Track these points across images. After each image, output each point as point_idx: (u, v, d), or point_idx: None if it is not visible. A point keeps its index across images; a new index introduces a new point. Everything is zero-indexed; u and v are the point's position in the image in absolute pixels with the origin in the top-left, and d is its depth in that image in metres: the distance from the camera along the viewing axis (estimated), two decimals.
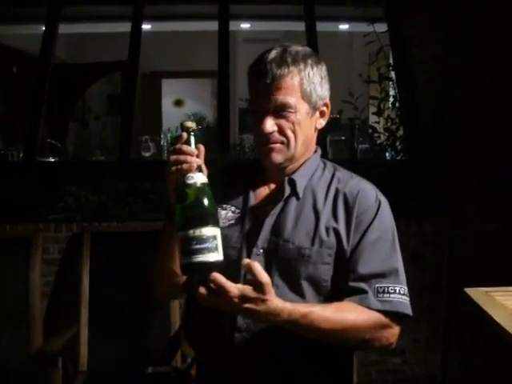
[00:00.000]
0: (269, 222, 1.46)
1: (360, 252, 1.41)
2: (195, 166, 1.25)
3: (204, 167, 1.31)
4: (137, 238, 3.16)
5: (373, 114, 4.03)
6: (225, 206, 1.52)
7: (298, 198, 1.48)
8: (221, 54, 4.28)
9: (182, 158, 1.26)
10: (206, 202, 1.19)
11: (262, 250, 1.43)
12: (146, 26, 4.74)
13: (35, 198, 3.40)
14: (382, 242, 1.43)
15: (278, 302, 1.23)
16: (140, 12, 4.43)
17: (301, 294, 1.40)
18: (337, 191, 1.48)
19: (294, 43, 1.49)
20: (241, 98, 7.20)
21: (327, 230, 1.42)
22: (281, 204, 1.48)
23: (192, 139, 1.28)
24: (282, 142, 1.44)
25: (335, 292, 1.41)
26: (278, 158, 1.46)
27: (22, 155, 4.22)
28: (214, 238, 1.16)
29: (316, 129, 1.52)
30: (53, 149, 4.81)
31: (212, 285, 1.17)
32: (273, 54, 1.41)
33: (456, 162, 3.44)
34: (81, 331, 2.97)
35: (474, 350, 3.24)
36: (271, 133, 1.42)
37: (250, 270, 1.18)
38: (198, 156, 1.28)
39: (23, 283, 3.02)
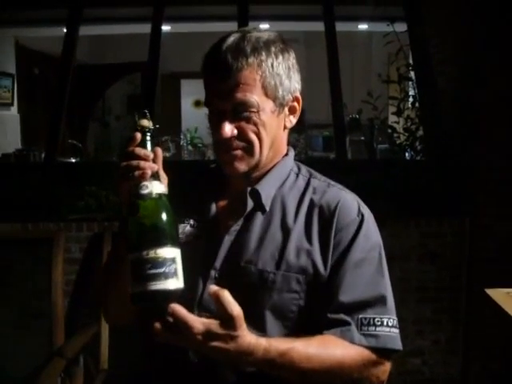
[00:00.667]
0: (228, 240, 1.23)
1: (340, 277, 1.18)
2: (150, 172, 1.02)
3: (163, 174, 1.10)
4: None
5: (392, 114, 4.02)
6: (183, 218, 1.28)
7: (263, 212, 1.24)
8: None
9: (135, 163, 1.03)
10: (163, 216, 0.99)
11: (218, 274, 1.21)
12: (165, 27, 4.77)
13: (56, 197, 3.44)
14: (367, 265, 1.20)
15: (251, 338, 1.02)
16: (160, 13, 4.46)
17: (262, 327, 1.16)
18: (311, 203, 1.24)
19: (255, 28, 1.26)
20: None
21: (298, 250, 1.19)
22: (242, 219, 1.25)
23: (148, 140, 1.05)
24: (245, 149, 1.21)
25: (303, 325, 1.19)
26: (240, 167, 1.22)
27: (43, 155, 4.28)
28: (173, 260, 0.96)
29: (285, 128, 1.28)
30: (74, 149, 4.86)
31: (170, 318, 0.97)
32: (229, 42, 1.17)
33: (476, 162, 3.41)
34: (102, 330, 3.00)
35: (494, 352, 3.22)
36: (230, 138, 1.19)
37: (217, 299, 0.98)
38: (154, 161, 1.05)
39: (45, 282, 3.06)
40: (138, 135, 1.05)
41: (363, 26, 5.64)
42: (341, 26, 4.41)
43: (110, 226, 3.27)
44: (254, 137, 1.20)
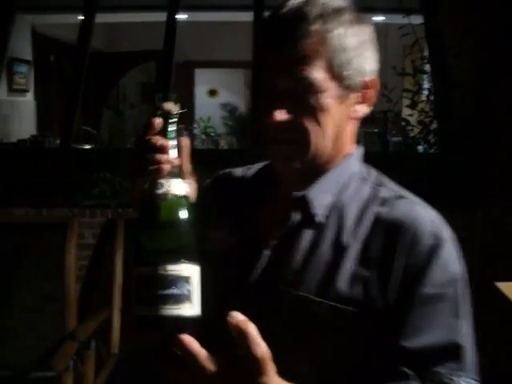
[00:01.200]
0: (267, 255, 0.99)
1: (403, 316, 0.90)
2: (167, 168, 0.81)
3: (188, 171, 0.91)
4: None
5: (406, 106, 4.01)
6: (217, 224, 1.07)
7: (314, 224, 0.98)
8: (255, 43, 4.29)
9: (149, 155, 0.82)
10: (178, 224, 0.79)
11: (250, 295, 0.98)
12: (181, 16, 4.78)
13: (71, 183, 3.48)
14: (440, 303, 0.91)
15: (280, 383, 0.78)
16: (176, 2, 4.47)
17: (296, 370, 0.88)
18: (376, 218, 0.96)
19: None
20: None
21: (352, 277, 0.92)
22: (287, 231, 1.00)
23: (170, 128, 0.83)
24: (299, 140, 0.95)
25: (349, 371, 0.93)
26: (292, 162, 0.97)
27: (58, 142, 4.32)
28: (187, 280, 0.76)
29: (353, 118, 1.01)
30: (88, 136, 4.90)
31: (179, 352, 0.76)
32: (290, 5, 0.94)
33: (489, 156, 3.41)
34: (113, 315, 3.03)
35: (503, 346, 3.22)
36: (283, 124, 0.93)
37: (239, 334, 0.74)
38: (178, 154, 0.84)
39: (58, 266, 3.09)
40: (157, 121, 0.82)
41: (379, 18, 5.61)
42: None
43: (123, 213, 3.30)
44: (312, 125, 0.94)
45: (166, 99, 0.84)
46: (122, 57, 7.20)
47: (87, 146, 4.51)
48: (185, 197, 0.80)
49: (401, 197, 0.99)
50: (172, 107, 0.83)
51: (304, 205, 0.99)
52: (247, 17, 4.40)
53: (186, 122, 4.64)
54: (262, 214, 1.05)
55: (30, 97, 6.18)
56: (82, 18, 4.49)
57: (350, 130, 1.02)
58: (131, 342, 2.99)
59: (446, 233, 0.96)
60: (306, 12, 0.92)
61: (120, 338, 3.01)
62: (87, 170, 3.55)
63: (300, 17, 0.92)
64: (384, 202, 0.98)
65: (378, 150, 4.17)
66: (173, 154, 0.82)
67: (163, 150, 0.81)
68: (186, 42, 6.14)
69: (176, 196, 0.79)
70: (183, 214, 0.79)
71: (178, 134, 0.84)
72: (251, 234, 1.03)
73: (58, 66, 6.82)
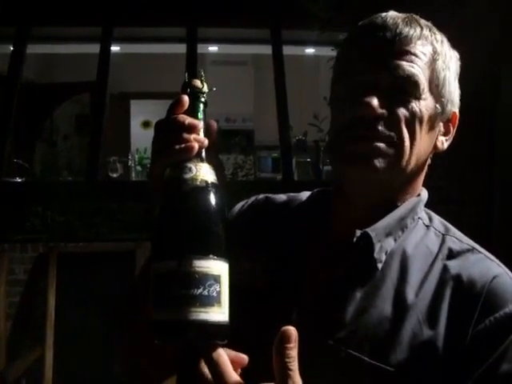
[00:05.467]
0: (314, 303, 0.85)
1: None
2: (196, 148, 0.68)
3: (217, 161, 0.75)
4: (104, 259, 3.16)
5: None
6: (253, 254, 0.91)
7: (373, 271, 0.84)
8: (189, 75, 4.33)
9: (178, 135, 0.69)
10: (208, 213, 0.67)
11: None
12: (114, 48, 4.77)
13: (1, 218, 3.38)
14: None
15: None
16: (109, 33, 4.47)
17: None
18: (444, 271, 0.82)
19: None
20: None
21: (413, 340, 0.78)
22: (341, 275, 0.85)
23: (199, 107, 0.73)
24: (391, 141, 0.82)
25: None
26: (379, 165, 0.82)
27: None
28: (218, 280, 0.64)
29: (436, 149, 0.90)
30: (19, 169, 4.78)
31: (204, 367, 0.64)
32: (393, 13, 0.87)
33: None
34: (46, 354, 2.94)
35: None
36: (377, 119, 0.82)
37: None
38: (207, 136, 0.72)
39: None
40: (186, 98, 0.71)
41: (310, 50, 5.77)
42: (288, 50, 4.52)
43: (55, 247, 3.22)
44: (404, 129, 0.82)
45: (194, 76, 0.74)
46: (56, 88, 7.09)
47: (18, 180, 4.39)
48: (215, 184, 0.69)
49: (473, 250, 0.86)
50: (199, 84, 0.73)
51: (365, 246, 0.84)
52: (180, 49, 4.45)
53: (121, 153, 4.60)
54: (308, 251, 0.90)
55: None
56: (13, 48, 4.42)
57: (426, 166, 0.91)
58: (65, 381, 2.90)
59: None
60: (416, 18, 0.86)
61: (53, 377, 2.92)
62: (18, 204, 3.46)
63: (410, 19, 0.85)
64: (453, 254, 0.85)
65: (310, 178, 4.26)
66: (202, 135, 0.71)
67: (193, 129, 0.69)
68: (121, 73, 6.13)
69: (206, 182, 0.68)
70: (214, 203, 0.67)
71: (205, 114, 0.73)
72: (295, 273, 0.88)
73: None
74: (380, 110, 0.81)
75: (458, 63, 0.90)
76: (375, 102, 0.80)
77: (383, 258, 0.84)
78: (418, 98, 0.82)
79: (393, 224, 0.86)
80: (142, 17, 4.61)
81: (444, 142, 0.90)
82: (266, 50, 4.58)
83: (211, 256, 0.64)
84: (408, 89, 0.82)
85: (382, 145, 0.81)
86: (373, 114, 0.81)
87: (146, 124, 8.52)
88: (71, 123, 7.53)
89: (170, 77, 6.13)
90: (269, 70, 4.48)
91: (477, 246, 0.87)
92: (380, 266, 0.83)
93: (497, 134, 3.46)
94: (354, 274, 0.84)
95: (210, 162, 0.70)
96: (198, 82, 0.73)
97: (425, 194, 0.92)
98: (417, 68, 0.82)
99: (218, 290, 0.63)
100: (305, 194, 1.02)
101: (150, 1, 4.47)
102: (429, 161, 0.91)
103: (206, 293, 0.62)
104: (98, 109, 4.30)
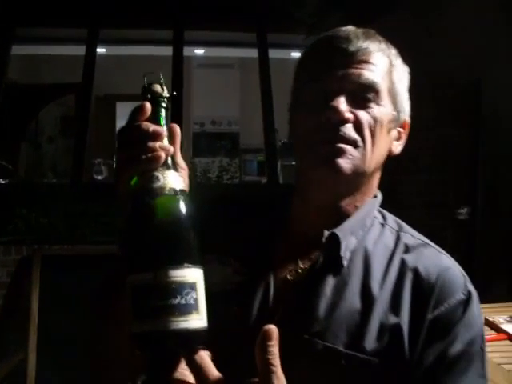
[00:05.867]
0: (287, 300, 0.89)
1: (431, 376, 0.84)
2: (163, 157, 0.68)
3: (182, 163, 0.78)
4: (88, 262, 3.14)
5: None
6: (224, 257, 0.94)
7: (339, 268, 0.90)
8: (174, 78, 4.34)
9: (143, 144, 0.69)
10: (179, 222, 0.67)
11: None
12: (100, 50, 4.76)
13: None
14: (466, 362, 0.85)
15: None
16: (95, 35, 4.46)
17: None
18: (403, 265, 0.90)
19: None
20: (195, 122, 7.27)
21: (381, 328, 0.85)
22: (309, 273, 0.91)
23: (161, 113, 0.72)
24: (356, 144, 0.88)
25: None
26: (345, 166, 0.87)
27: None
28: (193, 287, 0.65)
29: (390, 153, 0.96)
30: (3, 170, 4.75)
31: (186, 371, 0.66)
32: (354, 27, 0.94)
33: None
34: (29, 357, 2.92)
35: None
36: (343, 122, 0.87)
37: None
38: (171, 142, 0.72)
39: None
40: (148, 105, 0.71)
41: (296, 54, 5.79)
42: (274, 53, 4.54)
43: (39, 249, 3.20)
44: (368, 133, 0.89)
45: (155, 81, 0.73)
46: (41, 89, 7.05)
47: (2, 181, 4.37)
48: (183, 191, 0.68)
49: (425, 244, 0.93)
50: (160, 90, 0.72)
51: (332, 245, 0.90)
52: (167, 51, 4.45)
53: (106, 155, 4.60)
54: (274, 251, 0.94)
55: None
56: None
57: (381, 170, 0.97)
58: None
59: (472, 287, 0.90)
60: (374, 33, 0.93)
61: (36, 381, 2.90)
62: (1, 206, 3.44)
63: (369, 33, 0.92)
64: (409, 249, 0.92)
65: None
66: (166, 141, 0.70)
67: (158, 136, 0.69)
68: (107, 75, 6.12)
69: (174, 190, 0.67)
70: (184, 211, 0.67)
71: (168, 119, 0.73)
72: (261, 273, 0.92)
73: None
74: (347, 114, 0.86)
75: (408, 77, 0.97)
76: (342, 106, 0.86)
77: (348, 255, 0.90)
78: (379, 104, 0.89)
79: (354, 224, 0.93)
80: (129, 19, 4.61)
81: (397, 147, 0.97)
82: (252, 53, 4.60)
83: (185, 265, 0.64)
84: (370, 95, 0.88)
85: (346, 147, 0.87)
86: (340, 118, 0.86)
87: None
88: (56, 125, 7.50)
89: (155, 79, 6.13)
90: (254, 74, 4.50)
91: (428, 240, 0.95)
92: (346, 263, 0.89)
93: (480, 138, 3.49)
94: (322, 271, 0.89)
95: (176, 168, 0.70)
96: (158, 87, 0.72)
97: (379, 195, 0.99)
98: (377, 76, 0.89)
99: (194, 297, 0.64)
100: (271, 198, 1.07)
101: (136, 3, 4.47)
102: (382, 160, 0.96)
103: (183, 301, 0.63)
104: (84, 111, 4.29)
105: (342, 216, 0.92)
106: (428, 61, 3.27)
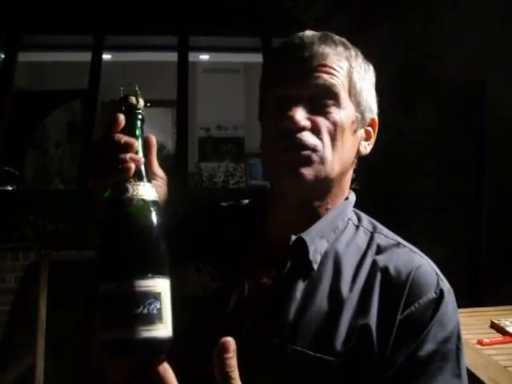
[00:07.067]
0: (257, 305, 0.89)
1: (402, 377, 0.83)
2: (132, 168, 0.69)
3: (158, 172, 0.82)
4: (95, 267, 3.16)
5: None
6: (200, 264, 0.95)
7: (309, 272, 0.90)
8: (180, 84, 4.36)
9: (114, 156, 0.70)
10: (147, 232, 0.68)
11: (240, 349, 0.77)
12: (106, 56, 4.79)
13: None
14: (439, 362, 0.84)
15: None
16: (101, 42, 4.48)
17: None
18: (373, 266, 0.89)
19: None
20: (201, 127, 7.29)
21: (351, 331, 0.84)
22: (280, 278, 0.90)
23: (136, 125, 0.74)
24: (316, 150, 0.88)
25: None
26: (307, 173, 0.88)
27: None
28: (158, 297, 0.66)
29: (358, 153, 0.97)
30: (10, 177, 4.78)
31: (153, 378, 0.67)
32: (311, 32, 0.94)
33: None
34: (37, 362, 2.93)
35: None
36: (301, 131, 0.87)
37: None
38: (146, 153, 0.75)
39: None
40: (121, 117, 0.72)
41: None
42: None
43: (46, 255, 3.22)
44: (327, 138, 0.89)
45: (130, 93, 0.74)
46: (47, 95, 7.08)
47: (10, 187, 4.39)
48: (153, 201, 0.70)
49: (398, 244, 0.93)
50: (135, 101, 0.74)
51: (300, 249, 0.90)
52: (172, 57, 4.47)
53: None
54: (248, 256, 0.94)
55: None
56: (4, 56, 4.43)
57: (351, 171, 0.97)
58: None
59: (446, 285, 0.89)
60: (331, 36, 0.93)
61: None
62: (9, 212, 3.46)
63: (326, 37, 0.92)
64: (381, 249, 0.91)
65: None
66: (139, 152, 0.72)
67: (129, 148, 0.70)
68: (112, 81, 6.15)
69: (143, 200, 0.69)
70: (151, 221, 0.68)
71: (143, 130, 0.74)
72: (236, 278, 0.92)
73: None
74: (303, 122, 0.86)
75: (373, 74, 0.97)
76: (298, 115, 0.86)
77: (318, 259, 0.90)
78: (339, 107, 0.89)
79: (325, 227, 0.92)
80: (134, 25, 4.63)
81: (366, 147, 0.97)
82: (257, 58, 4.61)
83: (150, 275, 0.66)
84: (328, 100, 0.89)
85: (307, 153, 0.87)
86: (296, 127, 0.86)
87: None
88: (63, 131, 7.53)
89: (161, 85, 6.16)
90: (259, 78, 4.51)
91: (402, 240, 0.94)
92: (316, 266, 0.89)
93: (486, 141, 3.49)
94: (293, 275, 0.89)
95: (149, 178, 0.72)
96: (133, 99, 0.73)
97: (352, 196, 0.99)
98: (335, 79, 0.89)
99: (158, 307, 0.65)
100: (244, 202, 1.06)
101: (141, 9, 4.49)
102: (354, 164, 0.97)
103: (145, 311, 0.65)
104: (90, 116, 4.31)
105: (313, 219, 0.93)
106: (430, 62, 3.28)
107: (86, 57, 4.45)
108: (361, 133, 0.95)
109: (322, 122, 0.88)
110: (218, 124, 7.38)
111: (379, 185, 3.68)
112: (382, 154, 3.65)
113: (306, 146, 0.87)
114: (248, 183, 5.27)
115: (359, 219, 0.98)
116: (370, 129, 0.97)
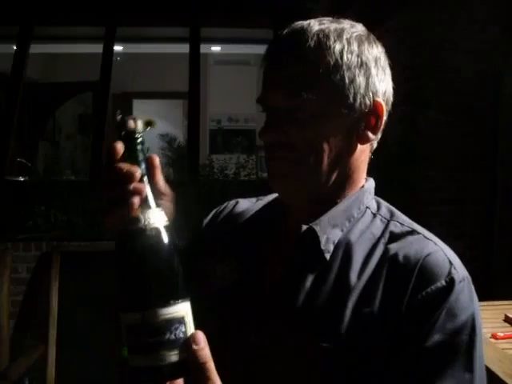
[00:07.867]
0: (270, 295, 0.91)
1: (406, 367, 0.81)
2: (137, 203, 0.68)
3: (165, 190, 0.83)
4: (106, 258, 3.16)
5: None
6: (223, 256, 0.98)
7: (321, 261, 0.89)
8: (191, 75, 4.35)
9: (118, 190, 0.69)
10: (164, 261, 0.68)
11: (256, 335, 0.89)
12: (117, 48, 4.79)
13: (4, 217, 3.39)
14: (448, 354, 0.80)
15: None
16: (112, 33, 4.48)
17: None
18: (384, 254, 0.87)
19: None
20: (212, 119, 7.28)
21: (355, 318, 0.83)
22: (292, 268, 0.91)
23: (137, 150, 0.71)
24: (294, 163, 0.88)
25: None
26: (282, 186, 0.92)
27: None
28: (182, 321, 0.67)
29: (361, 143, 0.92)
30: (22, 168, 4.80)
31: None
32: (292, 27, 0.90)
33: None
34: (49, 351, 2.95)
35: None
36: (273, 144, 0.89)
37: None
38: (150, 175, 0.73)
39: None
40: (119, 145, 0.70)
41: None
42: None
43: (58, 246, 3.23)
44: (305, 148, 0.87)
45: (128, 117, 0.72)
46: (59, 87, 7.10)
47: (22, 179, 4.41)
48: (165, 227, 0.69)
49: (412, 232, 0.89)
50: (133, 125, 0.71)
51: (312, 239, 0.89)
52: (183, 49, 4.46)
53: None
54: (269, 249, 0.96)
55: None
56: (16, 47, 4.43)
57: (358, 158, 0.93)
58: (68, 380, 2.91)
59: (460, 273, 0.84)
60: (306, 29, 0.87)
61: (55, 376, 2.93)
62: (21, 203, 3.47)
63: (299, 34, 0.87)
64: (394, 237, 0.89)
65: None
66: (143, 177, 0.70)
67: (131, 178, 0.68)
68: (124, 73, 6.15)
69: (156, 229, 0.68)
70: (166, 249, 0.68)
71: (144, 153, 0.72)
72: (255, 271, 0.94)
73: None
74: (274, 138, 0.88)
75: (373, 49, 0.91)
76: (270, 130, 0.88)
77: (331, 248, 0.89)
78: (315, 115, 0.86)
79: (337, 216, 0.91)
80: (145, 17, 4.63)
81: (371, 135, 0.91)
82: None
83: (171, 302, 0.66)
84: (300, 108, 0.86)
85: (282, 165, 0.88)
86: (268, 141, 0.88)
87: (147, 123, 8.55)
88: (74, 123, 7.55)
89: (172, 76, 6.16)
90: None
91: (418, 227, 0.91)
92: (328, 256, 0.88)
93: (499, 135, 3.46)
94: (305, 265, 0.89)
95: (157, 203, 0.70)
96: (131, 124, 0.71)
97: (369, 184, 0.97)
98: (304, 87, 0.85)
99: (183, 330, 0.66)
100: (268, 197, 1.07)
101: (152, 1, 4.48)
102: (365, 154, 0.94)
103: (172, 337, 0.66)
104: (101, 108, 4.31)
105: (326, 209, 0.92)
106: (443, 56, 3.25)
107: (97, 48, 4.44)
108: (359, 123, 0.90)
109: (297, 132, 0.87)
110: (229, 116, 7.37)
111: (392, 178, 3.67)
112: (396, 147, 3.64)
113: (281, 160, 0.88)
114: (259, 175, 5.26)
115: (378, 207, 0.95)
116: (373, 114, 0.90)
